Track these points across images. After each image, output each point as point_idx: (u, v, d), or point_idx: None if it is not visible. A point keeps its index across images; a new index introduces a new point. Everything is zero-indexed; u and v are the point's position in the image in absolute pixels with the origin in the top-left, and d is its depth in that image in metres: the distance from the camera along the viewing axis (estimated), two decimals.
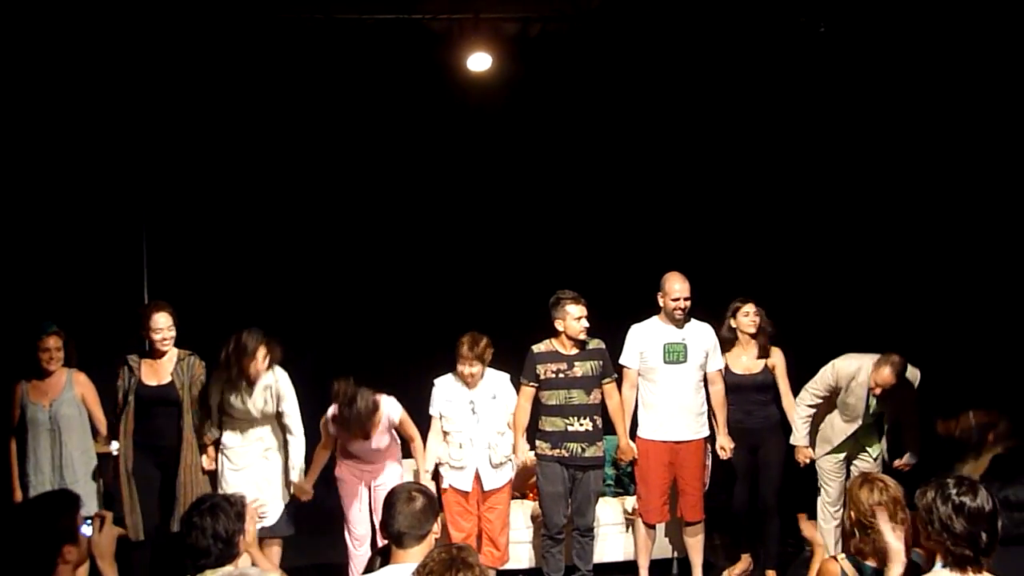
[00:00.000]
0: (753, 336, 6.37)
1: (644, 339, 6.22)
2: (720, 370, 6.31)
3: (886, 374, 5.90)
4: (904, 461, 6.28)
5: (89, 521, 3.59)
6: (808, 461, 6.29)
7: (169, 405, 5.86)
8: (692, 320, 6.25)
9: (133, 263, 7.54)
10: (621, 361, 6.24)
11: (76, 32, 6.53)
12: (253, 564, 3.70)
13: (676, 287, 6.12)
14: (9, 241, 7.06)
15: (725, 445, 6.27)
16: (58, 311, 6.29)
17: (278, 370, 5.87)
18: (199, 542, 3.43)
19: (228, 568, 3.43)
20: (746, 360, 6.39)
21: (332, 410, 5.76)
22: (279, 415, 5.89)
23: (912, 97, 7.25)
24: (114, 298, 7.21)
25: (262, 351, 5.71)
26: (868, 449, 6.26)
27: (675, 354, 6.16)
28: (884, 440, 6.34)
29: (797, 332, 6.64)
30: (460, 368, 6.00)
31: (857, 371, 6.07)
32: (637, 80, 7.49)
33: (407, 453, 6.14)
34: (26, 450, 5.86)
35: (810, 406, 6.28)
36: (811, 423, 6.30)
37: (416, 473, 6.11)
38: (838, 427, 6.23)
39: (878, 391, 5.97)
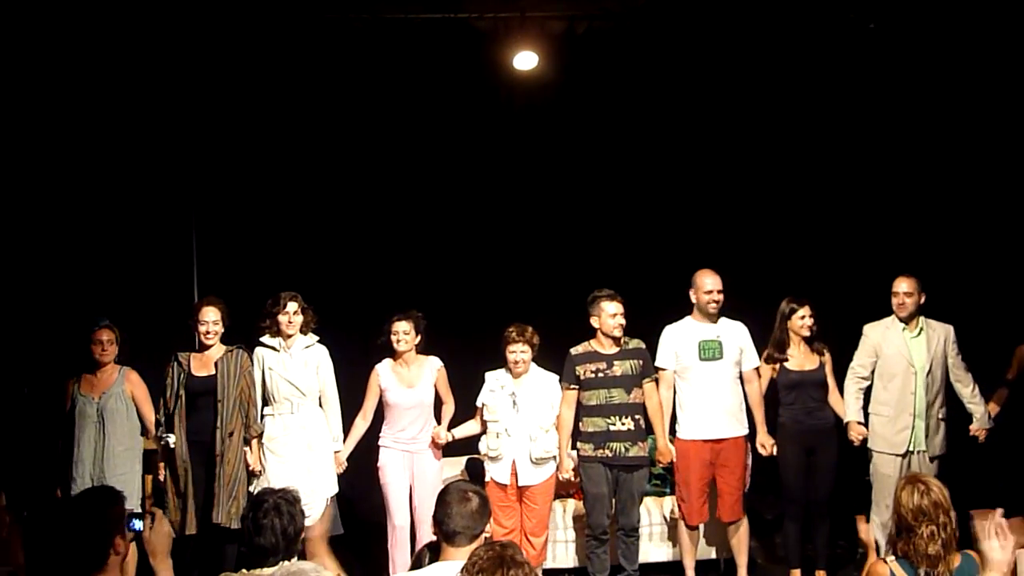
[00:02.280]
0: (806, 338, 6.31)
1: (678, 338, 6.21)
2: (756, 368, 6.28)
3: (901, 282, 6.10)
4: (976, 426, 6.24)
5: (139, 517, 3.65)
6: (861, 439, 6.19)
7: (214, 396, 5.94)
8: (723, 318, 6.23)
9: (184, 262, 7.61)
10: (656, 363, 6.23)
11: (126, 28, 6.62)
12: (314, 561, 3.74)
13: (708, 281, 6.15)
14: (62, 238, 7.18)
15: (765, 443, 6.23)
16: (110, 308, 6.41)
17: (318, 344, 6.15)
18: (265, 541, 3.47)
19: (285, 564, 3.47)
20: (801, 357, 6.32)
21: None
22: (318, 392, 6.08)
23: (959, 95, 7.17)
24: (165, 295, 7.30)
25: (293, 304, 6.02)
26: (924, 448, 6.16)
27: (711, 351, 6.15)
28: (940, 435, 6.23)
29: (840, 332, 6.55)
30: (509, 354, 6.08)
31: (886, 324, 6.21)
32: (683, 78, 7.44)
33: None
34: (71, 444, 5.96)
35: (860, 378, 6.25)
36: (864, 417, 6.24)
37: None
38: (890, 402, 6.15)
39: (903, 302, 6.10)
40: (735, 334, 6.24)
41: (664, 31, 7.07)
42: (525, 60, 7.17)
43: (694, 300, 6.22)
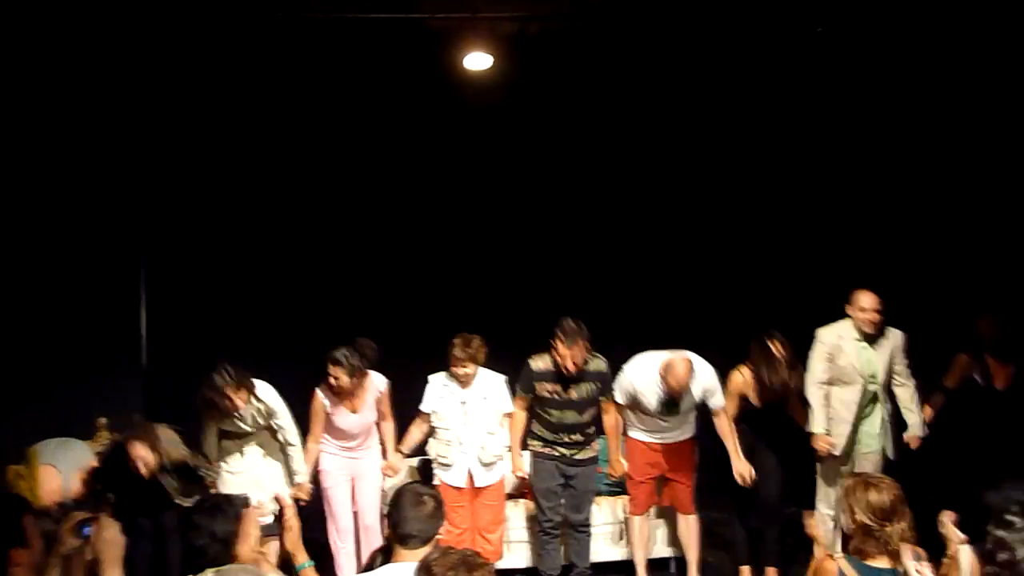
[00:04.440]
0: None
1: (641, 389, 6.05)
2: (722, 407, 6.14)
3: (870, 298, 6.13)
4: (910, 434, 6.35)
5: (89, 524, 3.62)
6: (828, 450, 6.24)
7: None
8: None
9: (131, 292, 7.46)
10: (614, 397, 6.14)
11: (60, 39, 6.46)
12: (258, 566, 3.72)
13: (678, 370, 5.85)
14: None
15: (744, 472, 6.11)
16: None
17: (261, 387, 5.84)
18: (197, 541, 3.46)
19: (225, 567, 3.46)
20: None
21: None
22: (274, 429, 5.95)
23: (902, 103, 7.29)
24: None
25: (231, 389, 5.64)
26: (870, 447, 6.29)
27: (671, 407, 6.07)
28: (886, 436, 6.36)
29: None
30: (454, 369, 6.04)
31: (840, 331, 6.25)
32: (636, 79, 7.47)
33: None
34: None
35: (821, 383, 6.27)
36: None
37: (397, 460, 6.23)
38: (839, 406, 6.24)
39: (875, 319, 6.14)
40: (699, 385, 6.03)
41: (617, 33, 7.08)
42: (477, 61, 7.15)
43: (660, 373, 5.94)
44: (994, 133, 6.95)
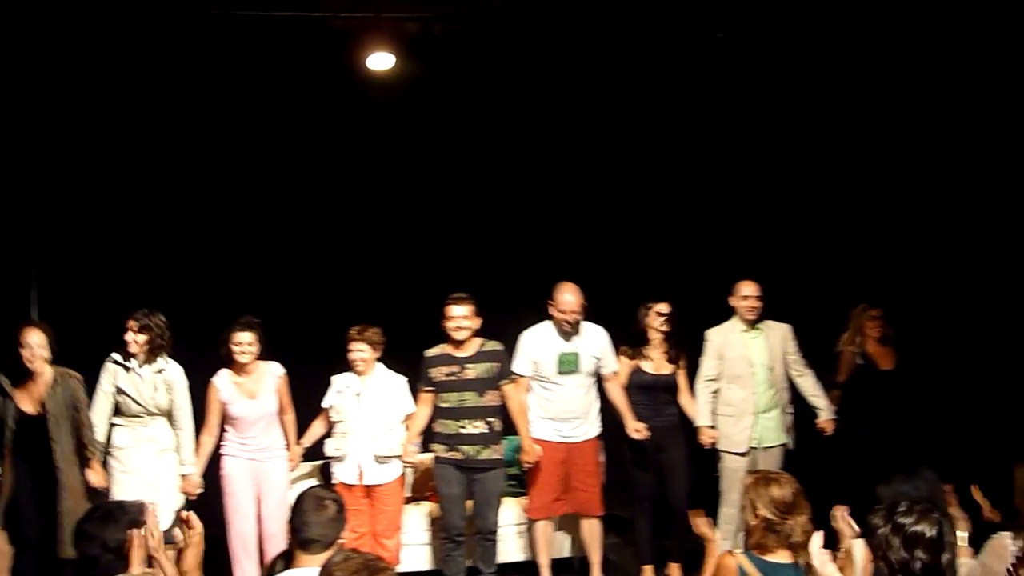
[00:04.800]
0: (666, 337, 6.44)
1: (537, 348, 6.23)
2: (615, 371, 6.36)
3: (749, 286, 6.37)
4: (823, 419, 6.50)
5: None
6: (712, 442, 6.39)
7: (46, 435, 5.63)
8: (585, 324, 6.27)
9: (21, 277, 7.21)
10: (514, 368, 6.23)
11: None
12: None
13: (567, 299, 6.14)
14: None
15: (639, 427, 6.22)
16: None
17: (172, 362, 5.93)
18: (88, 551, 3.37)
19: None
20: (657, 361, 6.46)
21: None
22: (170, 412, 5.89)
23: (796, 102, 7.51)
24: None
25: (132, 323, 5.79)
26: (771, 441, 6.41)
27: (569, 364, 6.20)
28: (786, 430, 6.50)
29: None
30: (350, 353, 6.04)
31: (727, 328, 6.46)
32: (539, 80, 7.50)
33: None
34: None
35: (709, 381, 6.42)
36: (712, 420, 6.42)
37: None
38: (738, 401, 6.37)
39: (754, 305, 6.36)
40: (593, 342, 6.27)
41: (520, 34, 7.11)
42: (380, 61, 7.10)
43: (552, 314, 6.23)
44: (869, 130, 7.24)
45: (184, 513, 3.74)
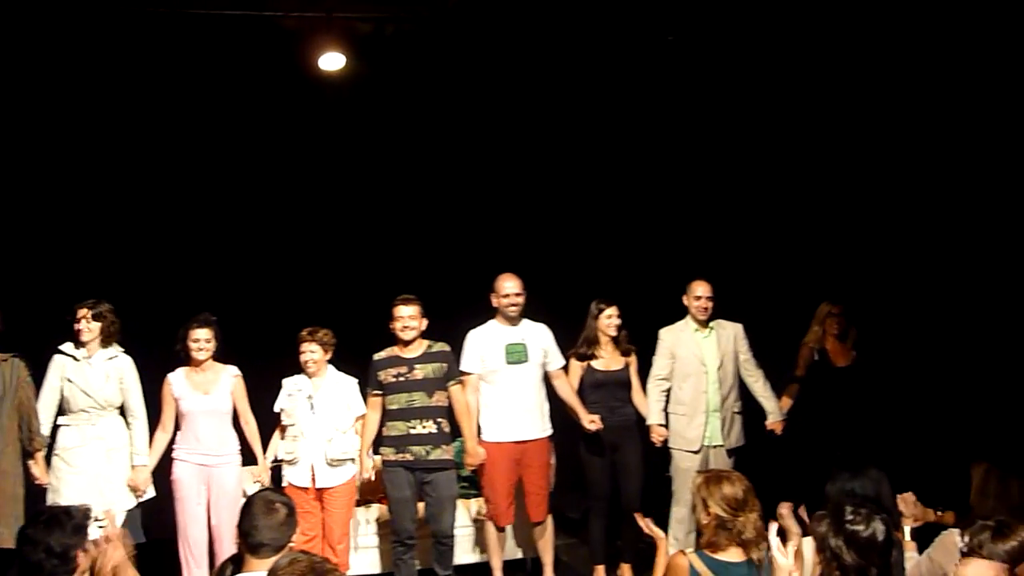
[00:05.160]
0: (614, 337, 6.50)
1: (484, 342, 6.26)
2: (562, 367, 6.41)
3: (701, 286, 6.42)
4: (771, 420, 6.56)
5: None
6: (662, 440, 6.43)
7: None
8: (526, 320, 6.35)
9: None
10: (462, 367, 6.23)
11: None
12: None
13: (508, 285, 6.25)
14: None
15: (593, 418, 6.26)
16: None
17: (123, 354, 5.90)
18: (31, 556, 3.32)
19: None
20: (607, 358, 6.50)
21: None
22: (120, 407, 5.85)
23: (744, 103, 7.57)
24: None
25: (84, 311, 5.75)
26: (720, 443, 6.43)
27: (516, 354, 6.24)
28: (736, 428, 6.53)
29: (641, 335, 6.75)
30: (301, 355, 6.03)
31: (679, 327, 6.51)
32: (491, 79, 7.50)
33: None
34: None
35: (660, 379, 6.48)
36: (664, 418, 6.46)
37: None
38: (690, 399, 6.40)
39: (707, 305, 6.42)
40: (538, 336, 6.34)
41: (472, 34, 7.11)
42: (332, 61, 7.06)
43: (495, 304, 6.29)
44: (828, 125, 7.30)
45: (105, 530, 3.66)
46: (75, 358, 5.79)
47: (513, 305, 6.23)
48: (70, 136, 7.25)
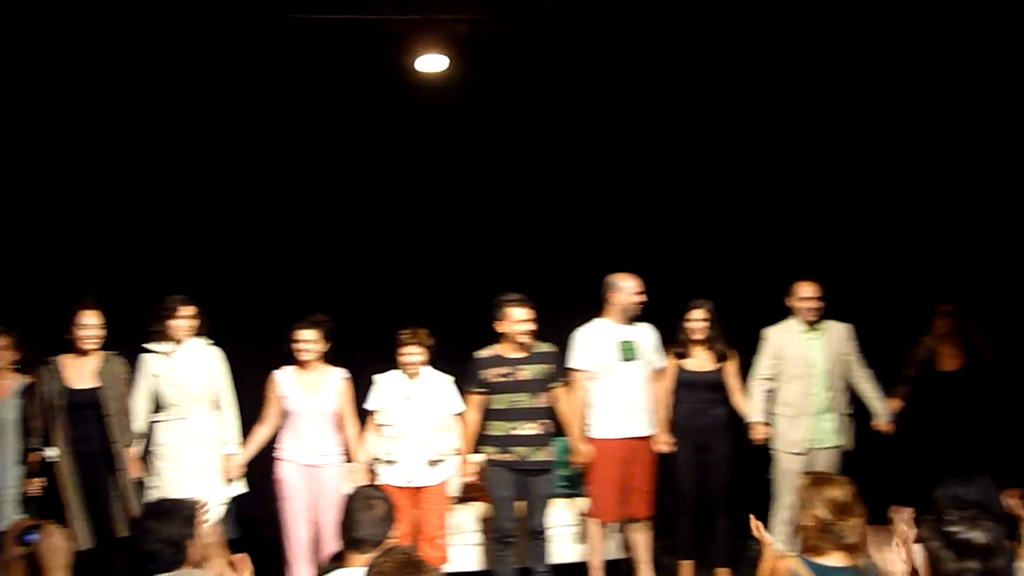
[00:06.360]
0: (702, 341, 6.43)
1: (595, 339, 6.27)
2: (661, 369, 6.41)
3: (809, 287, 6.35)
4: (879, 421, 6.45)
5: (35, 531, 3.57)
6: (765, 439, 6.38)
7: (97, 408, 5.76)
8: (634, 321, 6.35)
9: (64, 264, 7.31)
10: (573, 364, 6.24)
11: None
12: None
13: (631, 284, 6.25)
14: None
15: (667, 440, 6.34)
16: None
17: (211, 347, 6.02)
18: (147, 545, 3.43)
19: (177, 572, 3.42)
20: (700, 359, 6.46)
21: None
22: (212, 399, 5.96)
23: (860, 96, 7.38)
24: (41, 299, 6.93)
25: (183, 309, 5.89)
26: (828, 442, 6.35)
27: (629, 351, 6.25)
28: (844, 431, 6.42)
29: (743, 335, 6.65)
30: (401, 357, 6.03)
31: (785, 327, 6.44)
32: (591, 80, 7.47)
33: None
34: None
35: (764, 379, 6.43)
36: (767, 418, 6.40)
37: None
38: (796, 400, 6.32)
39: (814, 306, 6.33)
40: (647, 336, 6.36)
41: (572, 34, 7.08)
42: (431, 63, 7.11)
43: (612, 302, 6.28)
44: (942, 123, 7.10)
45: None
46: (163, 353, 5.92)
47: (635, 304, 6.23)
48: (180, 135, 7.44)
